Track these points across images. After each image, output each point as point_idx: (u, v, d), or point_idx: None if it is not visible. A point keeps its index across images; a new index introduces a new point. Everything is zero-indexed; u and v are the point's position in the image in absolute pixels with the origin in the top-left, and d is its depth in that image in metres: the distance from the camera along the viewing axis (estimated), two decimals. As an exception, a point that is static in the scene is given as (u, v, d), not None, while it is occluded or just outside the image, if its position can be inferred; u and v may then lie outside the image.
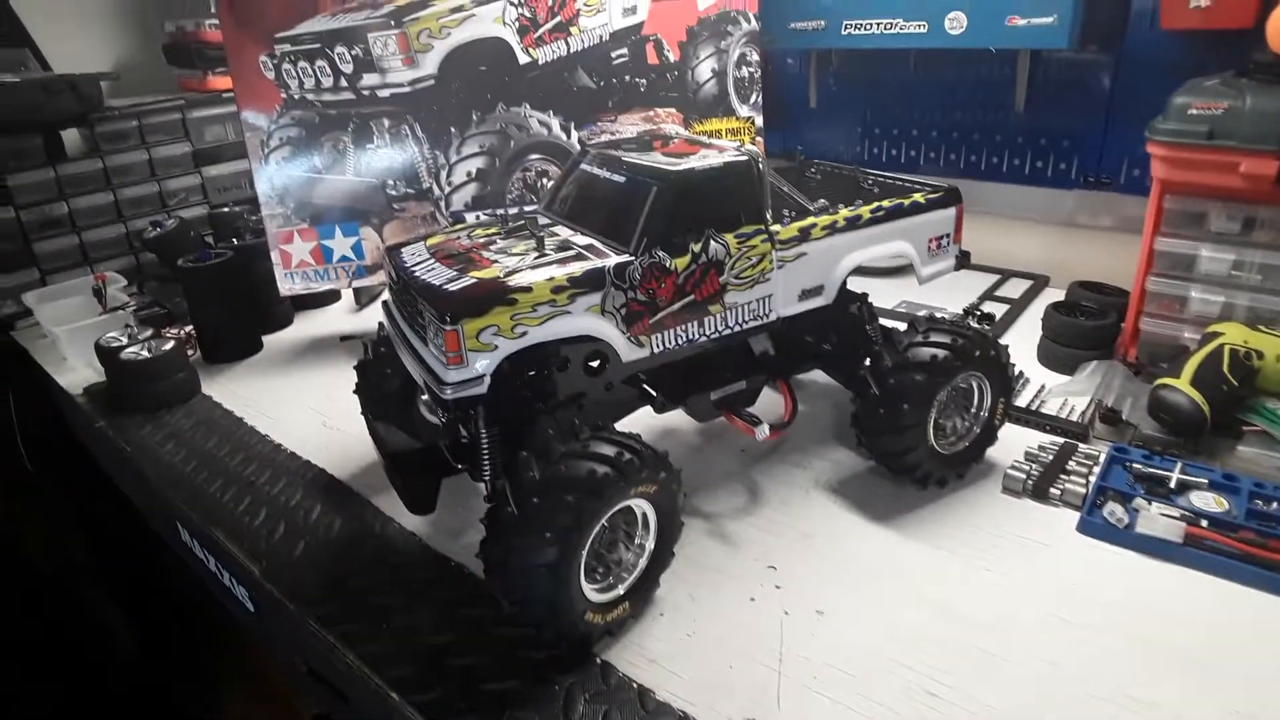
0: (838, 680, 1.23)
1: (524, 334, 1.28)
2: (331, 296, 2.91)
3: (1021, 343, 2.23)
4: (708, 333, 1.46)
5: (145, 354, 2.25)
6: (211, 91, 3.40)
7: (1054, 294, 2.47)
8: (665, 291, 1.38)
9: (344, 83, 2.19)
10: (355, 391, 1.77)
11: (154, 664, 2.97)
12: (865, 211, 1.57)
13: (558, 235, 1.47)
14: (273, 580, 1.56)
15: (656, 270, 1.36)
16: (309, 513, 1.73)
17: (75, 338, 2.56)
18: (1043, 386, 2.01)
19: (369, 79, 2.19)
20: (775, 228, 1.47)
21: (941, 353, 1.51)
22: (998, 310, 2.45)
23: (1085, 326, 2.08)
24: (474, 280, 1.31)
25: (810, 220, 1.51)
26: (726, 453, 1.84)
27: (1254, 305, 1.88)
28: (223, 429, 2.13)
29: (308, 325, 2.80)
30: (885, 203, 1.59)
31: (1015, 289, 2.61)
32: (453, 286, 1.30)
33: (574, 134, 2.28)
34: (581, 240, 1.43)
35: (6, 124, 2.90)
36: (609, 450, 1.23)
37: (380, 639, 1.37)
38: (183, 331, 2.65)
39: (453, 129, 2.25)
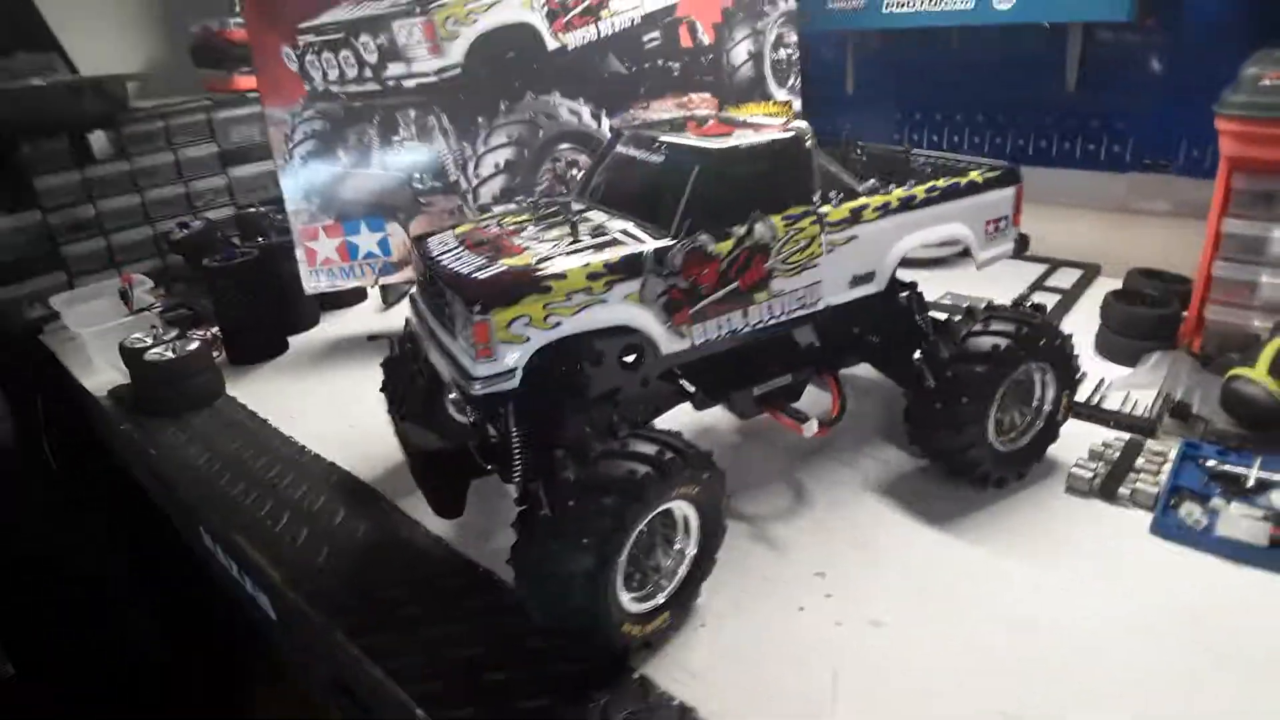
0: (899, 698, 1.13)
1: (558, 324, 1.20)
2: (358, 295, 2.86)
3: (1076, 335, 2.09)
4: (752, 323, 1.37)
5: (169, 355, 2.20)
6: (237, 91, 3.37)
7: (1108, 284, 2.34)
8: (708, 278, 1.29)
9: (369, 73, 2.13)
10: (381, 390, 1.70)
11: (185, 668, 2.93)
12: (920, 191, 1.47)
13: (592, 220, 1.38)
14: (294, 588, 1.49)
15: (699, 255, 1.27)
16: (333, 517, 1.67)
17: (101, 340, 2.53)
18: (1103, 380, 1.89)
19: (394, 69, 2.12)
20: (824, 209, 1.38)
21: (1004, 342, 1.41)
22: (1048, 301, 2.33)
23: (1148, 315, 1.96)
24: (505, 267, 1.23)
25: (862, 201, 1.42)
26: (769, 452, 1.74)
27: (1330, 290, 1.75)
28: (247, 431, 2.07)
29: (334, 325, 2.74)
30: (940, 182, 1.49)
31: (1066, 279, 2.49)
32: (482, 274, 1.22)
33: (605, 122, 2.20)
34: (618, 225, 1.35)
35: (33, 127, 2.88)
36: (649, 449, 1.14)
37: (408, 651, 1.30)
38: (209, 333, 2.61)
39: (480, 119, 2.18)
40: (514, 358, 1.19)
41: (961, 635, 1.23)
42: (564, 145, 2.20)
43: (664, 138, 1.39)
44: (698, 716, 1.13)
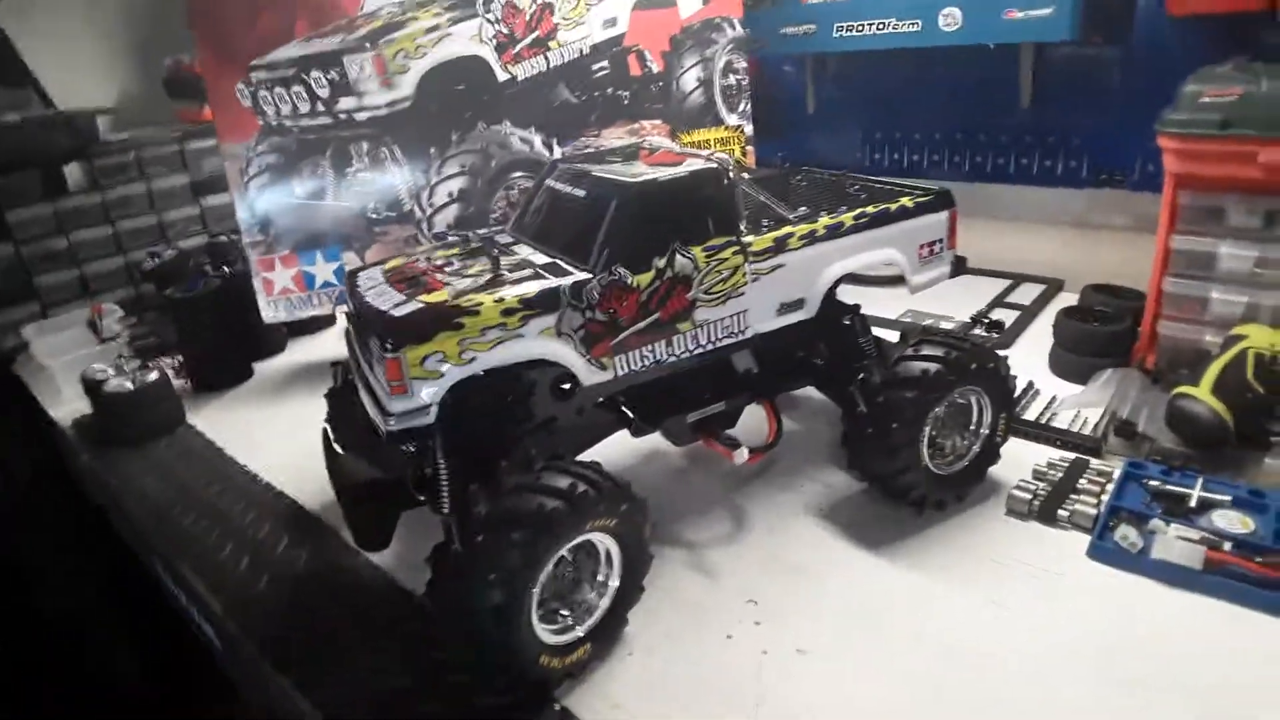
0: (818, 728, 1.13)
1: (472, 360, 1.21)
2: (326, 320, 2.87)
3: (1034, 351, 2.12)
4: (677, 353, 1.37)
5: (129, 386, 2.21)
6: (208, 122, 3.39)
7: (1069, 299, 2.34)
8: (627, 310, 1.30)
9: (321, 107, 2.15)
10: (326, 421, 1.71)
11: (151, 696, 2.93)
12: (848, 219, 1.47)
13: (517, 255, 1.39)
14: (232, 616, 1.50)
15: (617, 288, 1.28)
16: (276, 545, 1.67)
17: (68, 370, 2.54)
18: (1054, 398, 1.89)
19: (346, 102, 2.14)
20: (748, 239, 1.38)
21: (933, 367, 1.41)
22: (1008, 317, 2.33)
23: (1099, 332, 1.95)
24: (420, 305, 1.24)
25: (787, 230, 1.42)
26: (712, 476, 1.74)
27: (1280, 305, 1.74)
28: (202, 460, 2.08)
29: (301, 351, 2.75)
30: (870, 208, 1.49)
31: (1027, 294, 2.49)
32: (397, 311, 1.23)
33: (556, 150, 2.21)
34: (541, 259, 1.36)
35: (6, 163, 2.91)
36: (562, 482, 1.14)
37: (336, 683, 1.30)
38: (175, 360, 2.62)
39: (432, 150, 2.20)
40: (428, 394, 1.20)
41: (890, 663, 1.23)
42: (517, 174, 2.21)
43: (592, 171, 1.40)
44: (615, 750, 1.13)
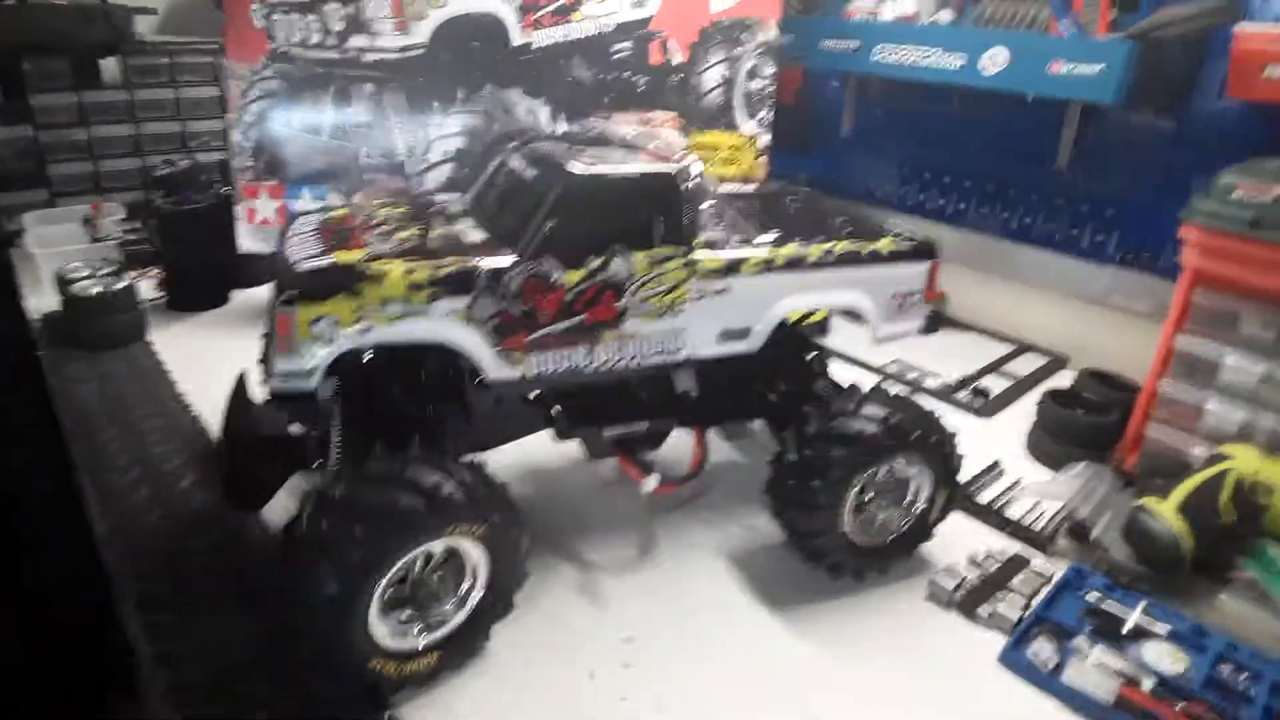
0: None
1: (367, 330, 1.13)
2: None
3: (1013, 427, 1.99)
4: (598, 363, 1.28)
5: (95, 290, 2.19)
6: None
7: (1069, 377, 2.20)
8: (548, 306, 1.21)
9: (332, 41, 2.09)
10: (259, 362, 1.65)
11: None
12: (812, 253, 1.36)
13: (454, 228, 1.31)
14: (113, 543, 1.45)
15: (540, 281, 1.19)
16: (176, 481, 1.63)
17: (54, 263, 2.52)
18: (1016, 481, 1.77)
19: (358, 40, 2.08)
20: (698, 255, 1.29)
21: (870, 428, 1.30)
22: (999, 386, 2.19)
23: (1081, 421, 1.82)
24: (329, 263, 1.16)
25: (744, 253, 1.32)
26: (637, 496, 1.65)
27: (1279, 428, 1.60)
28: (147, 380, 2.05)
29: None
30: (838, 247, 1.38)
31: (1027, 365, 2.35)
32: (302, 265, 1.16)
33: (561, 127, 2.13)
34: (475, 236, 1.28)
35: (37, 45, 2.91)
36: (427, 479, 1.07)
37: (181, 637, 1.24)
38: (159, 273, 2.60)
39: (435, 104, 2.12)
40: (315, 358, 1.12)
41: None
42: (514, 144, 2.12)
43: (549, 153, 1.31)
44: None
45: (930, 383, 2.19)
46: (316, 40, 2.10)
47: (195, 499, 1.58)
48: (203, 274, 2.48)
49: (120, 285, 2.21)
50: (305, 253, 1.19)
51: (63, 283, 2.24)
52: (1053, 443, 1.84)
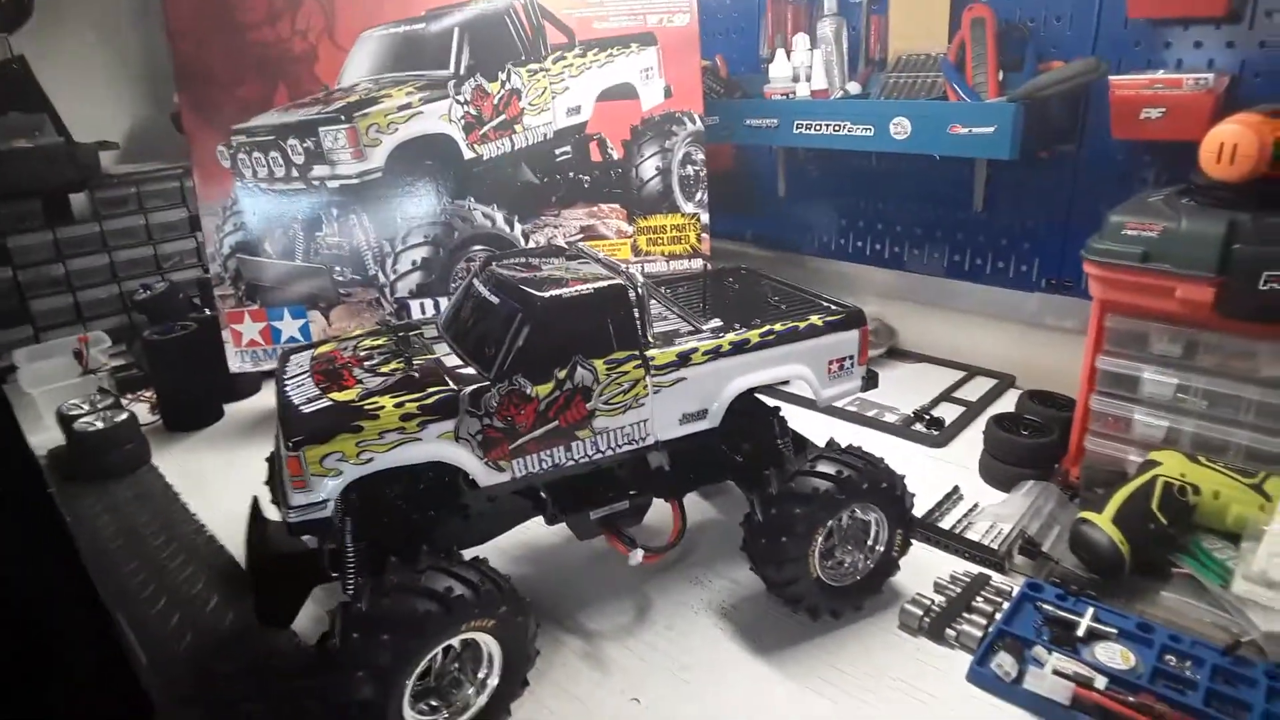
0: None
1: (370, 460, 1.28)
2: (301, 365, 2.96)
3: (969, 453, 2.15)
4: (575, 457, 1.44)
5: (98, 425, 2.31)
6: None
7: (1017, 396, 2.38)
8: (525, 418, 1.37)
9: (295, 173, 2.26)
10: (266, 484, 1.78)
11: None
12: (754, 335, 1.53)
13: (432, 356, 1.47)
14: (157, 672, 1.56)
15: (516, 397, 1.35)
16: (205, 604, 1.74)
17: (49, 399, 2.64)
18: (974, 506, 1.93)
19: (319, 170, 2.25)
20: (652, 353, 1.45)
21: (824, 485, 1.46)
22: (952, 413, 2.37)
23: (1023, 444, 1.99)
24: (328, 404, 1.31)
25: (690, 345, 1.49)
26: (623, 564, 1.79)
27: (1200, 432, 1.77)
28: (157, 505, 2.16)
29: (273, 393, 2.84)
30: (777, 326, 1.56)
31: (978, 389, 2.53)
32: (305, 409, 1.30)
33: (518, 227, 2.30)
34: (453, 361, 1.43)
35: (10, 189, 3.05)
36: (441, 584, 1.21)
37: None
38: (152, 395, 2.72)
39: (399, 219, 2.30)
40: (327, 489, 1.27)
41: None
42: (477, 247, 2.30)
43: (510, 279, 1.47)
44: None
45: (889, 417, 2.36)
46: (281, 174, 2.27)
47: (225, 617, 1.69)
48: (195, 395, 2.60)
49: (122, 417, 2.33)
50: (305, 397, 1.34)
51: (64, 420, 2.36)
52: (1001, 466, 2.01)
